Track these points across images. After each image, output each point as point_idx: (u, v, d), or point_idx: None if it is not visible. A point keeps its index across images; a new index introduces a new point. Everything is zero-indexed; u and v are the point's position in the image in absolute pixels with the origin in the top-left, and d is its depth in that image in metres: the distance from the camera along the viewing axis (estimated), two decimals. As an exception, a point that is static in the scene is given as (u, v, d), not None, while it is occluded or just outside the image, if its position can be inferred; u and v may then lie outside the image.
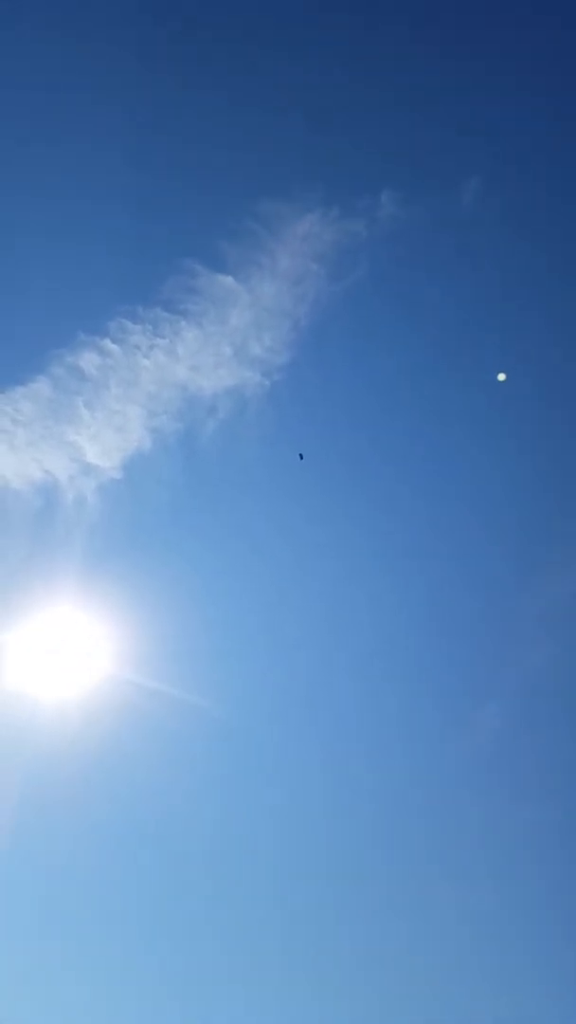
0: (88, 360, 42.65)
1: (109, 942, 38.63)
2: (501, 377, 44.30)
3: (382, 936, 39.25)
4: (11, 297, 44.17)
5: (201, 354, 44.09)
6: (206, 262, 44.01)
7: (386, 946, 38.89)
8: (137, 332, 43.26)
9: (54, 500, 42.04)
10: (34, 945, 38.02)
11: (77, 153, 44.93)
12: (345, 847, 40.97)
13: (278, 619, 45.37)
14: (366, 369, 47.46)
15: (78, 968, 37.71)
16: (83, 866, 38.77)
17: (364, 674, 45.69)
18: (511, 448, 47.81)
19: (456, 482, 47.98)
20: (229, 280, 44.23)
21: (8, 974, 36.88)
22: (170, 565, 43.54)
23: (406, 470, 47.33)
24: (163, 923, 39.29)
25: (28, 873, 38.21)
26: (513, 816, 41.32)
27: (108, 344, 42.85)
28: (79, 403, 42.53)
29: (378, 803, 42.08)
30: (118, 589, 41.41)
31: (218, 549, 45.31)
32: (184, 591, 42.89)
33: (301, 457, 42.37)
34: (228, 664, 43.95)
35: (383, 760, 43.29)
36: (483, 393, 46.53)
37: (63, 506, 42.16)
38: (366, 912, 39.74)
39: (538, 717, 44.67)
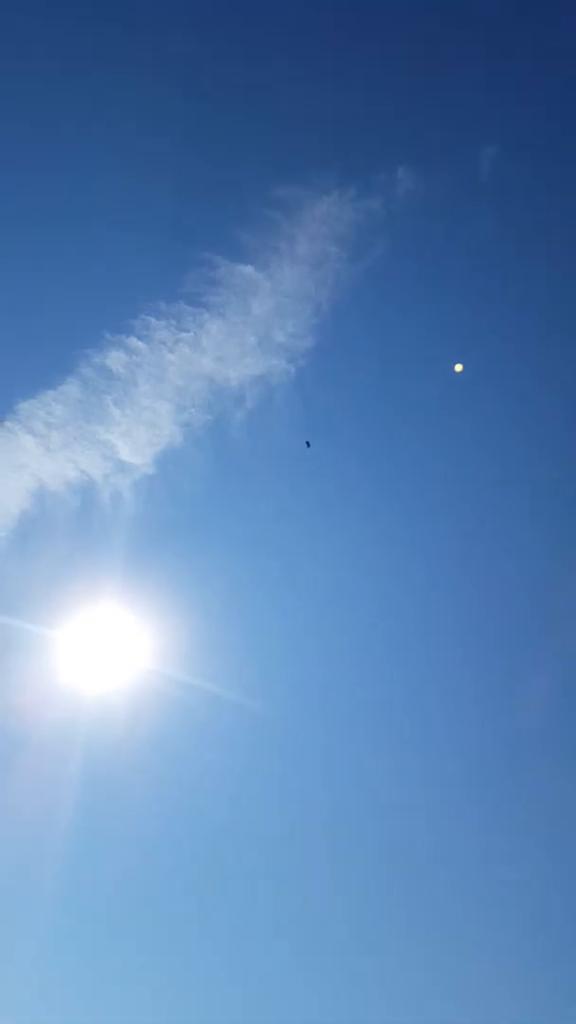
0: (115, 359, 43.11)
1: (151, 922, 39.44)
2: (458, 368, 44.02)
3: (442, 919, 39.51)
4: (36, 302, 44.87)
5: (226, 345, 44.23)
6: (225, 253, 44.09)
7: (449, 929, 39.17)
8: (161, 328, 43.59)
9: (91, 499, 42.77)
10: (88, 920, 39.09)
11: (86, 155, 45.32)
12: (384, 837, 41.35)
13: (315, 608, 45.69)
14: (391, 348, 47.13)
15: (138, 939, 38.73)
16: (127, 849, 39.55)
17: (405, 666, 45.93)
18: (547, 416, 47.29)
19: (492, 457, 47.62)
20: (249, 269, 44.23)
21: (69, 945, 38.00)
22: (207, 558, 44.08)
23: (440, 448, 47.08)
24: (196, 907, 39.98)
25: (73, 857, 39.01)
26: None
27: (134, 342, 43.27)
28: (109, 402, 43.06)
29: (413, 794, 42.41)
30: (158, 584, 42.07)
31: (254, 540, 45.71)
32: (222, 583, 43.45)
33: (308, 445, 42.43)
34: (266, 656, 44.40)
35: (421, 752, 43.62)
36: (512, 362, 46.11)
37: (100, 505, 42.88)
38: (408, 896, 40.04)
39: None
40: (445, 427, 47.20)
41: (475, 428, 47.14)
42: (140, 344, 43.31)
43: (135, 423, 43.36)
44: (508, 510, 47.52)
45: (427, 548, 47.23)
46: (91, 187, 44.95)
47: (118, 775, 39.81)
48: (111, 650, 41.09)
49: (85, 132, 45.45)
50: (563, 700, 43.64)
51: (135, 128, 44.87)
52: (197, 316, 43.97)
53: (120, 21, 45.67)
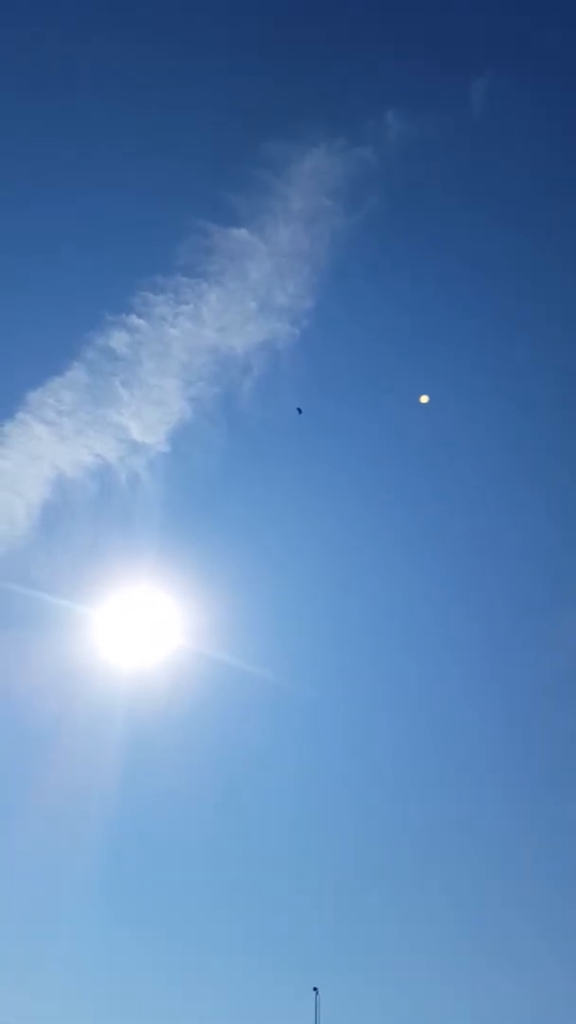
0: (118, 339, 42.99)
1: (184, 895, 40.71)
2: (424, 399, 43.31)
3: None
4: (32, 290, 44.70)
5: (227, 314, 43.81)
6: (217, 219, 43.30)
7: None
8: (160, 303, 43.23)
9: (109, 482, 43.30)
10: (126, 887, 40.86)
11: (69, 128, 44.30)
12: (420, 814, 42.28)
13: (338, 576, 46.26)
14: (393, 298, 46.41)
15: (184, 909, 40.37)
16: (164, 821, 41.15)
17: (432, 639, 46.56)
18: (561, 363, 46.65)
19: (508, 407, 47.23)
20: (243, 232, 43.42)
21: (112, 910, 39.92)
22: (227, 531, 44.74)
23: (455, 394, 46.57)
24: (238, 883, 40.67)
25: (113, 829, 40.20)
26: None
27: (134, 320, 43.04)
28: (116, 384, 43.14)
29: (444, 771, 43.28)
30: (181, 559, 42.84)
31: (271, 510, 46.14)
32: (243, 555, 44.12)
33: (300, 412, 42.24)
34: (289, 629, 45.22)
35: (456, 731, 44.28)
36: (519, 302, 45.21)
37: (118, 487, 43.44)
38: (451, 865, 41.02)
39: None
40: (456, 373, 46.77)
41: (487, 375, 46.69)
42: (141, 322, 43.14)
43: (144, 402, 43.56)
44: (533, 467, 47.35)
45: (455, 509, 47.42)
46: (73, 166, 44.19)
47: (150, 745, 41.31)
48: (142, 626, 42.20)
49: (63, 104, 44.49)
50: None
51: (114, 98, 43.73)
52: (195, 287, 43.53)
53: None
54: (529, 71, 44.48)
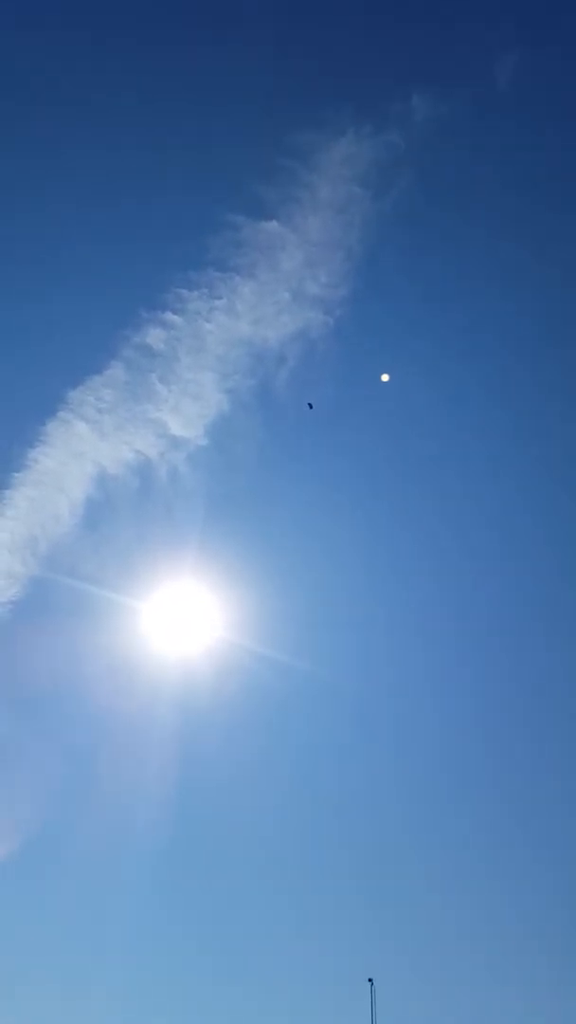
0: (154, 336, 43.49)
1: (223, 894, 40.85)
2: (384, 378, 42.48)
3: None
4: (69, 292, 45.64)
5: (261, 306, 43.96)
6: (247, 212, 43.53)
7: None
8: (195, 298, 43.65)
9: (150, 478, 43.73)
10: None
11: (89, 127, 45.09)
12: (475, 803, 41.99)
13: (378, 570, 45.89)
14: (427, 283, 46.00)
15: (205, 911, 40.46)
16: (209, 815, 41.33)
17: (481, 631, 45.73)
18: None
19: (546, 388, 46.26)
20: (273, 224, 43.59)
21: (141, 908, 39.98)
22: (269, 524, 44.77)
23: (493, 381, 45.93)
24: (270, 878, 40.76)
25: (160, 822, 40.45)
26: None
27: (170, 316, 43.53)
28: (154, 380, 43.62)
29: (486, 764, 42.74)
30: (220, 552, 43.02)
31: (311, 502, 46.00)
32: (286, 549, 44.09)
33: (311, 407, 42.11)
34: (330, 620, 44.96)
35: (490, 721, 43.71)
36: (549, 281, 44.28)
37: (158, 481, 43.84)
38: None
39: None
40: (492, 355, 46.01)
41: (522, 357, 45.78)
42: (176, 318, 43.61)
43: (182, 397, 43.94)
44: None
45: (506, 501, 46.60)
46: (100, 163, 44.98)
47: (196, 735, 41.57)
48: (184, 617, 42.61)
49: (85, 101, 45.35)
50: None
51: (137, 96, 44.52)
52: (228, 281, 43.84)
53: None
54: (558, 46, 43.79)
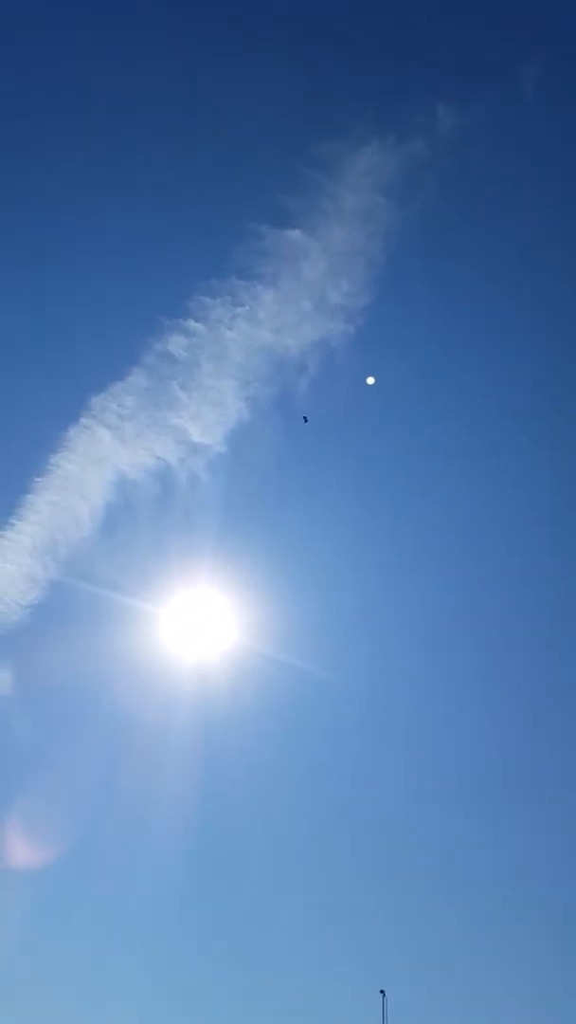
0: (176, 343, 43.78)
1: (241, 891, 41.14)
2: (370, 380, 42.34)
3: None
4: (92, 299, 46.10)
5: (282, 314, 44.11)
6: (270, 220, 43.73)
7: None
8: (217, 306, 43.88)
9: (169, 484, 44.01)
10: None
11: (115, 136, 45.48)
12: (490, 811, 42.07)
13: (393, 577, 45.91)
14: (449, 293, 45.95)
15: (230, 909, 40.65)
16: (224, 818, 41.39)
17: (486, 638, 45.62)
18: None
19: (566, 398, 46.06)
20: (296, 234, 43.74)
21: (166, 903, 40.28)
22: (286, 530, 44.89)
23: (511, 392, 45.81)
24: (285, 877, 40.99)
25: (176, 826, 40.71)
26: None
27: (192, 324, 43.80)
28: (175, 387, 43.88)
29: (499, 769, 42.74)
30: (239, 558, 43.22)
31: (328, 509, 46.10)
32: (300, 555, 44.21)
33: (305, 420, 42.24)
34: (345, 627, 45.08)
35: (503, 726, 43.74)
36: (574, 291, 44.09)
37: (178, 488, 44.12)
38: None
39: None
40: (515, 365, 45.87)
41: (547, 368, 45.61)
42: (198, 325, 43.87)
43: (202, 404, 44.18)
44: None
45: (517, 508, 46.46)
46: (125, 172, 45.42)
47: (214, 739, 41.79)
48: (202, 622, 42.94)
49: (111, 110, 45.80)
50: None
51: (162, 105, 44.88)
52: (250, 289, 44.02)
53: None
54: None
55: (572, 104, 42.44)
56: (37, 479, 42.06)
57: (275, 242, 43.68)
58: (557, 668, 44.80)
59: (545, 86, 41.77)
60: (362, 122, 42.97)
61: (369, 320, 44.28)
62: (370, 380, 43.20)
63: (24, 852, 39.75)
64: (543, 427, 46.07)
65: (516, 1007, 35.79)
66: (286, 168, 44.00)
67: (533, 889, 39.66)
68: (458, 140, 42.52)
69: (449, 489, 46.90)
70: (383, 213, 43.66)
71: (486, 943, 38.37)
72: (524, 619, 46.03)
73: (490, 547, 46.50)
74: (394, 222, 43.80)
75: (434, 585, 46.22)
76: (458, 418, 46.34)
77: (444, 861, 40.86)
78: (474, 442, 46.62)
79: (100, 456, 43.87)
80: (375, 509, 46.26)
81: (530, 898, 39.40)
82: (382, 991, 33.86)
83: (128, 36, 45.15)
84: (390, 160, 43.08)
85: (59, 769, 42.35)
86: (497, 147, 43.33)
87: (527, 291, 45.35)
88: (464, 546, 46.38)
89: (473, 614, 46.05)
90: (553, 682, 44.79)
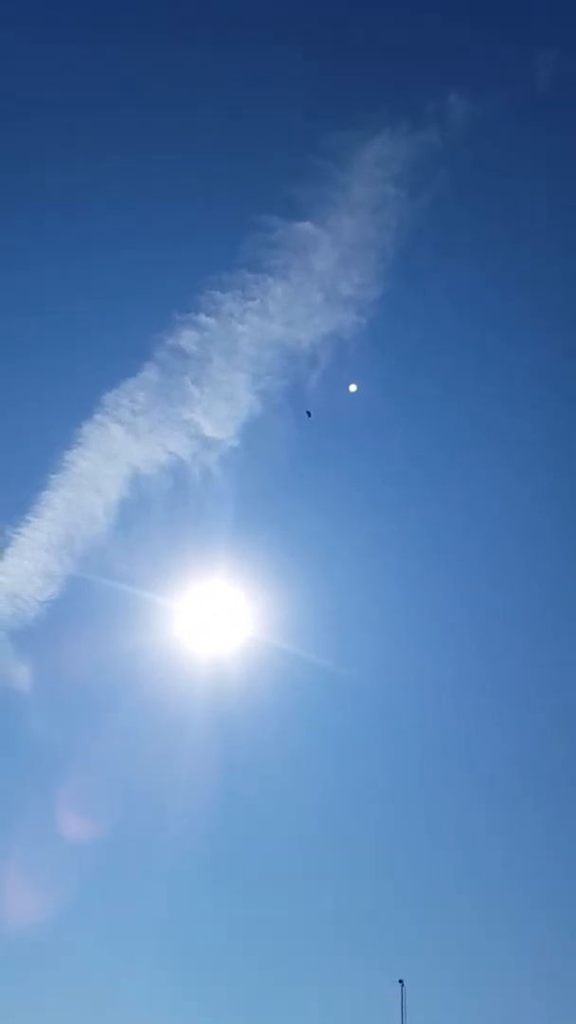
0: (187, 338, 43.69)
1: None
2: (352, 388, 42.08)
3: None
4: (104, 295, 46.06)
5: (293, 307, 43.94)
6: (280, 212, 43.49)
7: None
8: (227, 300, 43.75)
9: (182, 479, 44.08)
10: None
11: (123, 130, 45.26)
12: (503, 806, 42.15)
13: (407, 571, 45.88)
14: (460, 284, 45.65)
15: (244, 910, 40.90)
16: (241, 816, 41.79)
17: (511, 634, 45.60)
18: None
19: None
20: (307, 225, 43.48)
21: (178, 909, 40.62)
22: (296, 523, 44.92)
23: (523, 385, 45.58)
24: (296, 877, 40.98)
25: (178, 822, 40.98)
26: None
27: (202, 318, 43.70)
28: (187, 381, 43.86)
29: (514, 763, 42.80)
30: (252, 552, 43.35)
31: (342, 503, 46.10)
32: (313, 548, 44.27)
33: (309, 415, 42.13)
34: (360, 622, 45.15)
35: (518, 721, 43.81)
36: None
37: (191, 482, 44.20)
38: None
39: None
40: (527, 359, 45.61)
41: (555, 360, 45.34)
42: (209, 320, 43.77)
43: (214, 399, 44.15)
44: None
45: (530, 503, 46.29)
46: (133, 166, 45.23)
47: (227, 732, 42.06)
48: (217, 616, 43.18)
49: (119, 105, 45.62)
50: None
51: (170, 99, 44.64)
52: (261, 282, 43.85)
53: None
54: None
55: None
56: (52, 476, 42.33)
57: (285, 234, 43.50)
58: (569, 662, 44.78)
59: (559, 75, 41.31)
60: (373, 112, 42.65)
61: (381, 312, 44.14)
62: (352, 387, 43.16)
63: (40, 847, 40.26)
64: (554, 419, 45.87)
65: (533, 997, 36.08)
66: (295, 159, 43.81)
67: (550, 880, 39.93)
68: (470, 130, 42.14)
69: (461, 482, 46.88)
70: (394, 204, 43.36)
71: (504, 934, 38.67)
72: (538, 615, 46.06)
73: (503, 542, 46.47)
74: (405, 213, 43.50)
75: (447, 579, 46.30)
76: (469, 410, 46.26)
77: (459, 853, 41.20)
78: (485, 435, 46.54)
79: (114, 452, 44.00)
80: (388, 502, 46.32)
81: (547, 890, 39.70)
82: (401, 981, 34.18)
83: (136, 29, 44.97)
84: (401, 150, 42.73)
85: (76, 763, 42.89)
86: (510, 137, 43.02)
87: (539, 283, 45.10)
88: (477, 541, 46.38)
89: (486, 609, 46.14)
90: (565, 676, 44.79)
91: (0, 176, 45.27)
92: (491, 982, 37.31)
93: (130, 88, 45.34)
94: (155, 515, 44.25)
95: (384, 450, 46.71)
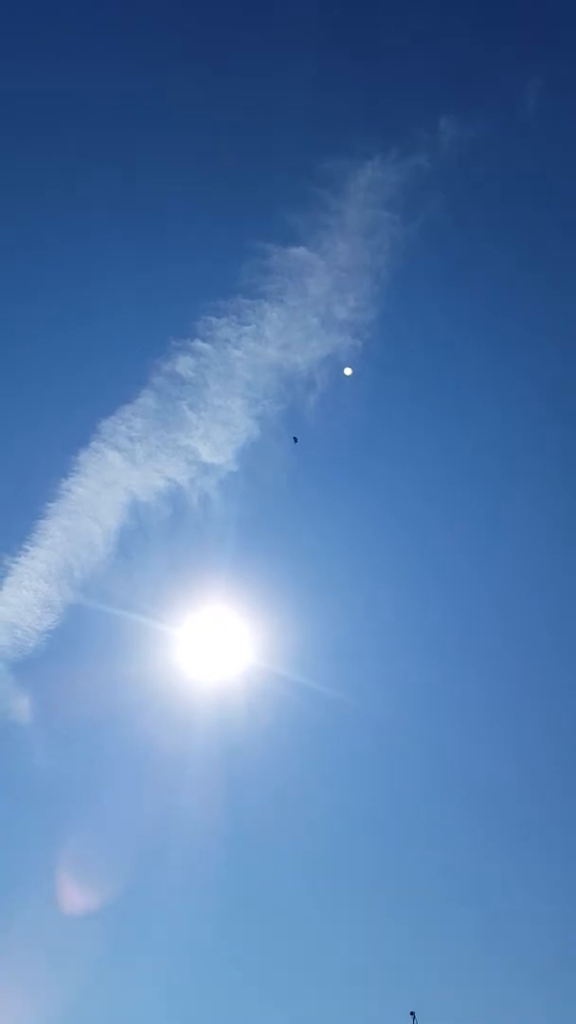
0: (184, 364, 43.77)
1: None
2: (347, 372, 42.39)
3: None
4: (99, 323, 46.08)
5: (289, 331, 44.09)
6: (275, 239, 43.78)
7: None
8: (223, 325, 43.88)
9: (180, 505, 43.97)
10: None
11: (120, 158, 45.42)
12: (505, 831, 41.82)
13: (408, 598, 45.80)
14: (457, 303, 45.90)
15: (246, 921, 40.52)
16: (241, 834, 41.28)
17: (508, 661, 45.51)
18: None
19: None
20: (301, 251, 43.75)
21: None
22: (295, 547, 44.85)
23: (517, 404, 45.75)
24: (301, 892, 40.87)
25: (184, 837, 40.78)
26: None
27: (199, 344, 43.79)
28: (184, 407, 43.86)
29: (525, 787, 42.48)
30: (253, 579, 43.20)
31: (341, 528, 46.05)
32: (312, 573, 44.17)
33: (296, 440, 42.33)
34: (359, 648, 44.99)
35: (519, 750, 43.59)
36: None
37: (190, 508, 44.07)
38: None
39: None
40: (522, 379, 45.81)
41: (548, 380, 45.56)
42: (205, 345, 43.86)
43: (211, 424, 44.13)
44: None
45: (532, 528, 46.24)
46: (130, 193, 45.38)
47: (228, 758, 41.77)
48: (216, 642, 43.04)
49: (115, 132, 45.83)
50: None
51: (165, 126, 44.95)
52: (256, 307, 44.02)
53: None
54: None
55: (573, 118, 42.39)
56: (50, 504, 42.15)
57: (280, 260, 43.74)
58: (567, 684, 44.69)
59: (547, 100, 41.91)
60: (364, 137, 43.15)
61: (377, 335, 44.31)
62: (348, 371, 43.25)
63: (42, 876, 39.77)
64: (552, 439, 46.00)
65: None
66: (289, 186, 44.18)
67: (557, 904, 39.51)
68: (460, 153, 42.65)
69: (460, 505, 46.86)
70: (387, 227, 43.72)
71: (514, 962, 38.17)
72: (537, 639, 45.93)
73: (503, 565, 46.37)
74: (398, 236, 43.87)
75: (446, 604, 46.20)
76: (467, 431, 46.33)
77: (464, 877, 40.77)
78: (484, 456, 46.59)
79: (111, 479, 43.85)
80: (386, 526, 46.22)
81: (557, 914, 39.27)
82: (412, 1013, 33.79)
83: (132, 56, 45.29)
84: (393, 174, 43.17)
85: (78, 793, 42.47)
86: (499, 160, 43.40)
87: (531, 303, 45.36)
88: (476, 564, 46.31)
89: (486, 634, 46.03)
90: (564, 697, 44.69)
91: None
92: (498, 1005, 36.90)
93: (126, 115, 45.71)
94: (154, 542, 44.14)
95: (382, 473, 46.81)
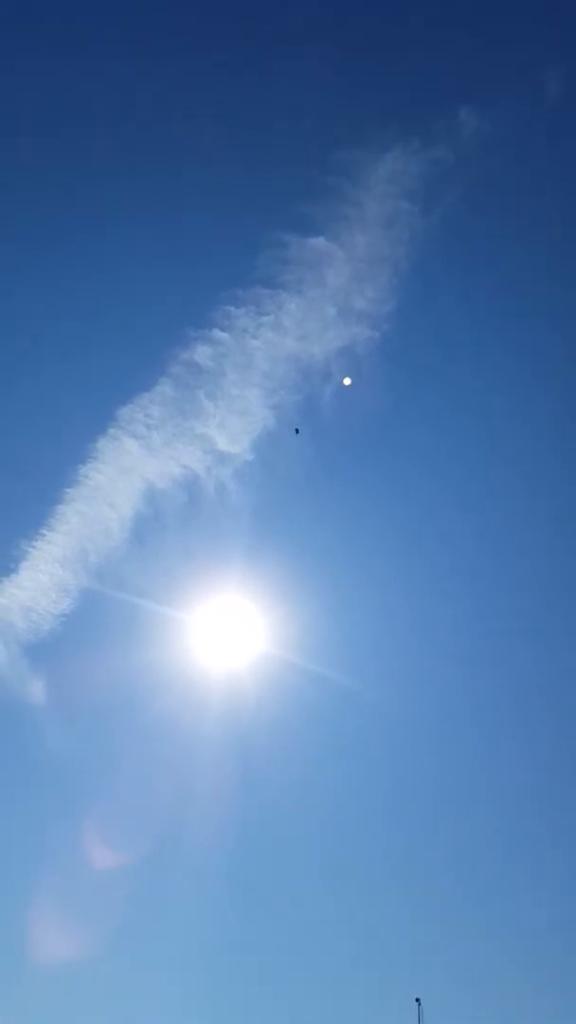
0: (202, 353, 44.01)
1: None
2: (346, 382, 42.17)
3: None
4: (119, 311, 46.50)
5: (307, 322, 44.20)
6: (294, 229, 43.86)
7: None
8: (242, 315, 44.06)
9: (196, 493, 44.23)
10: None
11: (139, 149, 45.82)
12: (515, 820, 42.05)
13: (422, 587, 45.82)
14: (476, 296, 45.79)
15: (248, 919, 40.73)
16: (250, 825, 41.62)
17: (522, 651, 45.36)
18: None
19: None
20: (320, 241, 43.82)
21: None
22: (310, 537, 44.98)
23: (535, 398, 45.56)
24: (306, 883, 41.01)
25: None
26: None
27: (217, 333, 44.01)
28: (201, 396, 44.10)
29: (520, 781, 42.57)
30: (266, 566, 43.40)
31: (356, 517, 46.10)
32: (327, 562, 44.27)
33: (297, 432, 42.33)
34: (373, 637, 45.13)
35: (531, 738, 43.50)
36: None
37: (206, 496, 44.33)
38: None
39: None
40: (540, 373, 45.61)
41: (570, 374, 45.30)
42: (223, 335, 44.06)
43: (228, 413, 44.36)
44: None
45: (551, 521, 46.07)
46: (150, 185, 45.75)
47: (242, 746, 42.00)
48: (231, 630, 43.24)
49: (134, 125, 46.23)
50: None
51: (185, 119, 45.24)
52: (275, 297, 44.15)
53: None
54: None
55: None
56: (67, 490, 42.60)
57: (299, 250, 43.84)
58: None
59: (567, 90, 41.67)
60: (384, 129, 43.11)
61: (394, 326, 44.32)
62: (346, 381, 43.33)
63: (55, 860, 40.22)
64: (568, 433, 45.77)
65: (551, 1017, 35.64)
66: (309, 176, 44.23)
67: (569, 896, 39.49)
68: (481, 145, 42.46)
69: (476, 497, 46.81)
70: (406, 219, 43.66)
71: (520, 952, 38.26)
72: (549, 629, 45.79)
73: (519, 558, 46.24)
74: (418, 227, 43.79)
75: (460, 594, 46.17)
76: (483, 424, 46.27)
77: (474, 867, 40.98)
78: (500, 449, 46.48)
79: (128, 466, 44.23)
80: (401, 516, 46.28)
81: (567, 905, 39.23)
82: (417, 999, 33.85)
83: (152, 47, 45.68)
84: (412, 166, 43.08)
85: (91, 776, 42.93)
86: (520, 151, 43.26)
87: (551, 297, 45.17)
88: (490, 556, 46.24)
89: (498, 624, 45.96)
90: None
91: (15, 195, 45.99)
92: (505, 997, 36.92)
93: (144, 107, 46.11)
94: (169, 529, 44.46)
95: (398, 465, 46.82)
